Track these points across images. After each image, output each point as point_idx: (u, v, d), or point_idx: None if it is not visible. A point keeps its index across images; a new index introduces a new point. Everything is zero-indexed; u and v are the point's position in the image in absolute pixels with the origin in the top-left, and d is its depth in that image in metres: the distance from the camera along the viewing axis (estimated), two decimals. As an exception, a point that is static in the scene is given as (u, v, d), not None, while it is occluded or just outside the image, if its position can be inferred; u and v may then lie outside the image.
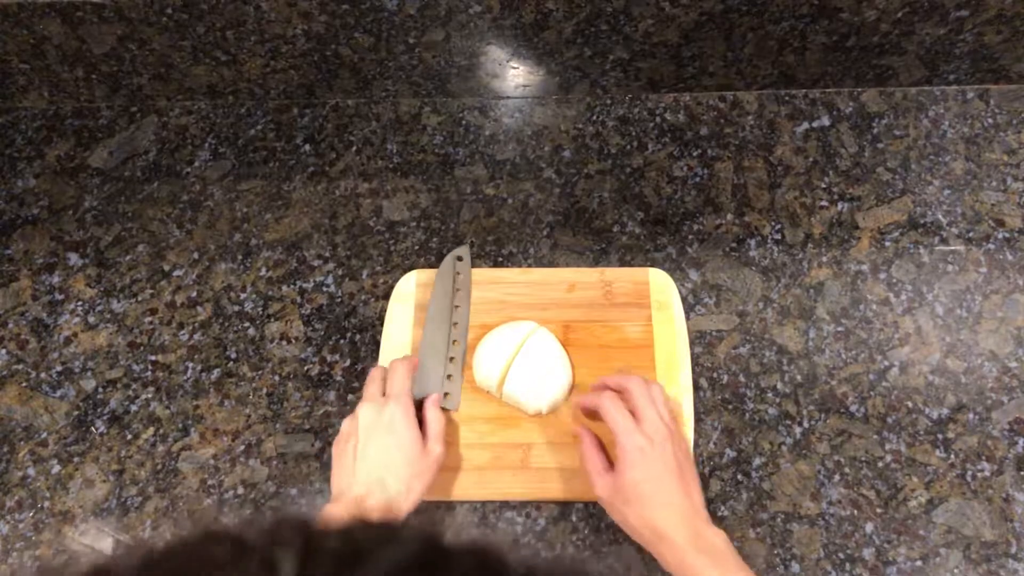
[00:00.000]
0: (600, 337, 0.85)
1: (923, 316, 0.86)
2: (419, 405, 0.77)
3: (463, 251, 0.89)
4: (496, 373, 0.80)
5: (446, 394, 0.81)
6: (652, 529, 0.66)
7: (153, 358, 0.87)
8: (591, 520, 0.78)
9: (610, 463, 0.71)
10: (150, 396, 0.85)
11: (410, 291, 0.87)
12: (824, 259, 0.90)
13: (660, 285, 0.87)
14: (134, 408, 0.85)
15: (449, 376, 0.82)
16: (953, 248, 0.90)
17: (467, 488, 0.79)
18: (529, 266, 0.90)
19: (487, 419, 0.81)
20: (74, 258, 0.92)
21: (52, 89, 0.99)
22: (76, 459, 0.82)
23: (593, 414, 0.75)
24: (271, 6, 0.85)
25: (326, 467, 0.81)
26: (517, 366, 0.80)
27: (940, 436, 0.81)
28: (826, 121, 0.98)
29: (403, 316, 0.86)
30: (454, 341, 0.84)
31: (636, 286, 0.87)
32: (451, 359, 0.83)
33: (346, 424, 0.73)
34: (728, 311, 0.87)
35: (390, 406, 0.73)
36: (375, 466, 0.70)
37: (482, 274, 0.89)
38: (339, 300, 0.89)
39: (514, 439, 0.80)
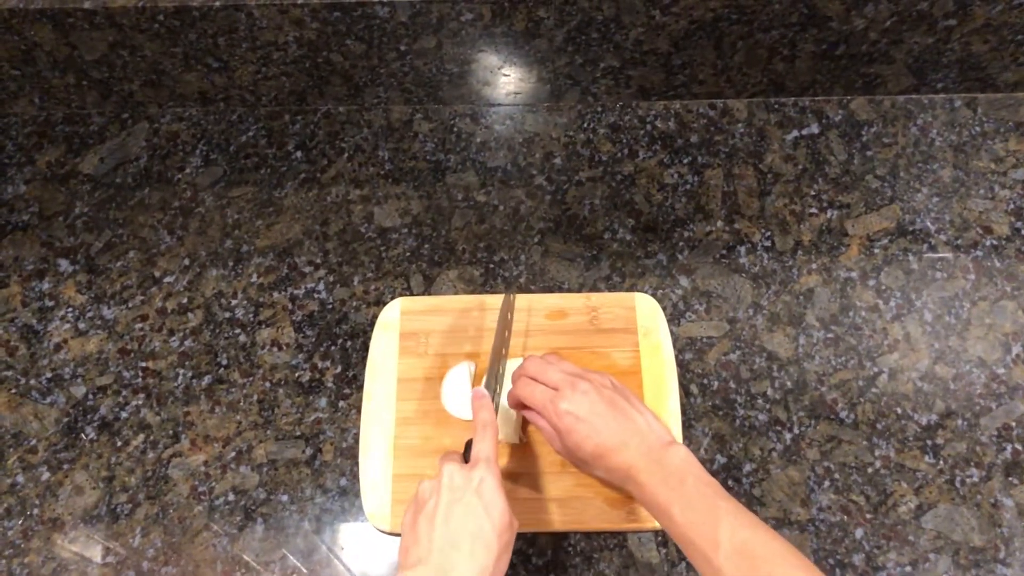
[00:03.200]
0: (588, 364, 0.82)
1: (912, 323, 0.87)
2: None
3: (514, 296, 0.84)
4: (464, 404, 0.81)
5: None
6: (618, 475, 0.68)
7: (144, 364, 0.87)
8: (582, 526, 0.78)
9: None
10: (140, 403, 0.85)
11: (395, 319, 0.86)
12: (814, 266, 0.90)
13: (647, 310, 0.86)
14: (124, 415, 0.84)
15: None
16: (941, 255, 0.90)
17: None
18: (520, 272, 0.90)
19: None
20: (64, 264, 0.92)
21: (43, 95, 0.99)
22: (66, 466, 0.82)
23: (527, 408, 0.75)
24: (263, 13, 0.85)
25: (317, 473, 0.81)
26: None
27: (929, 442, 0.81)
28: (815, 129, 0.98)
29: (388, 345, 0.85)
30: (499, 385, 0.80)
31: (622, 311, 0.87)
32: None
33: (426, 485, 0.66)
34: (718, 318, 0.88)
35: (481, 470, 0.65)
36: (461, 534, 0.62)
37: (467, 300, 0.88)
38: (330, 307, 0.89)
39: (501, 470, 0.79)
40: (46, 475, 0.82)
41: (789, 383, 0.84)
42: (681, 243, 0.92)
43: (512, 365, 0.80)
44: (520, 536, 0.78)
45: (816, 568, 0.59)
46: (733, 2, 0.84)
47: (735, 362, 0.85)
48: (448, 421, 0.81)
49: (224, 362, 0.87)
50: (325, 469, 0.81)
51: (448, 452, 0.71)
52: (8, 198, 0.96)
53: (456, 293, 0.89)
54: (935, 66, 0.95)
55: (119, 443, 0.83)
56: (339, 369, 0.86)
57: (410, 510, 0.66)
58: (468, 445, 0.70)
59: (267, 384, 0.85)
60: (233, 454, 0.82)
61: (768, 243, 0.91)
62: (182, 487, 0.81)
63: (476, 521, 0.62)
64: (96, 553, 0.78)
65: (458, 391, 0.82)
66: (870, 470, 0.80)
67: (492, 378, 0.76)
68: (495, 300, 0.87)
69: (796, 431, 0.82)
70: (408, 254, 0.92)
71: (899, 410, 0.83)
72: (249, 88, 0.98)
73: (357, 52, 0.92)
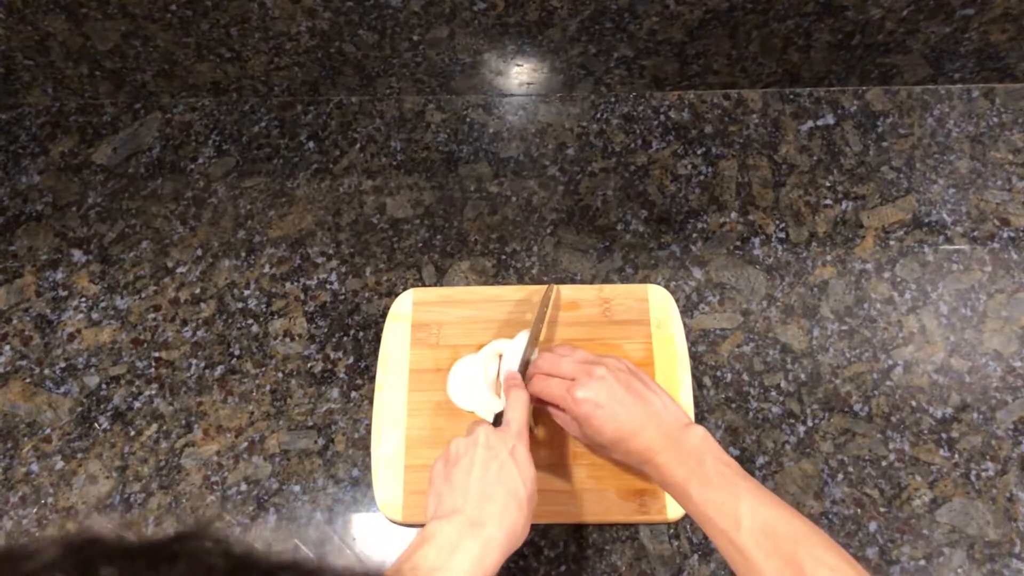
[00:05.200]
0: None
1: (927, 315, 0.86)
2: None
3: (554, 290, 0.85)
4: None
5: None
6: (637, 456, 0.68)
7: (156, 355, 0.87)
8: (594, 518, 0.78)
9: None
10: (153, 392, 0.85)
11: (407, 311, 0.86)
12: (828, 258, 0.89)
13: (660, 302, 0.86)
14: (137, 404, 0.85)
15: None
16: (958, 247, 0.89)
17: None
18: (532, 264, 0.90)
19: None
20: (78, 255, 0.92)
21: (56, 86, 0.99)
22: (80, 455, 0.83)
23: (550, 407, 0.76)
24: (275, 3, 0.85)
25: (329, 464, 0.81)
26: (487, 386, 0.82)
27: (944, 435, 0.81)
28: (831, 119, 0.97)
29: (400, 336, 0.85)
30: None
31: (635, 303, 0.86)
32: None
33: (459, 443, 0.67)
34: (732, 310, 0.87)
35: (513, 437, 0.66)
36: (496, 490, 0.62)
37: (480, 292, 0.88)
38: (342, 297, 0.89)
39: None
40: (60, 464, 0.82)
41: (803, 375, 0.84)
42: (695, 234, 0.91)
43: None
44: (533, 527, 0.77)
45: (839, 546, 0.58)
46: (748, -9, 0.84)
47: (748, 354, 0.85)
48: (460, 412, 0.81)
49: (237, 352, 0.87)
50: (337, 459, 0.82)
51: (477, 419, 0.72)
52: (22, 188, 0.96)
53: (468, 284, 0.89)
54: (952, 56, 0.94)
55: (132, 433, 0.83)
56: (351, 360, 0.86)
57: (440, 463, 0.67)
58: (497, 419, 0.71)
59: (279, 374, 0.86)
60: (246, 444, 0.83)
61: (782, 235, 0.91)
62: (195, 477, 0.81)
63: (511, 480, 0.63)
64: (110, 542, 0.79)
65: (464, 383, 0.82)
66: (884, 463, 0.80)
67: (523, 363, 0.77)
68: (507, 291, 0.87)
69: (810, 424, 0.82)
70: (420, 245, 0.92)
71: (914, 403, 0.82)
72: (261, 78, 0.98)
73: (370, 42, 0.92)
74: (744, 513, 0.60)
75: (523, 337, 0.81)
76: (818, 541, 0.58)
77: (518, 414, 0.68)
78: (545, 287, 0.85)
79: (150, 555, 0.32)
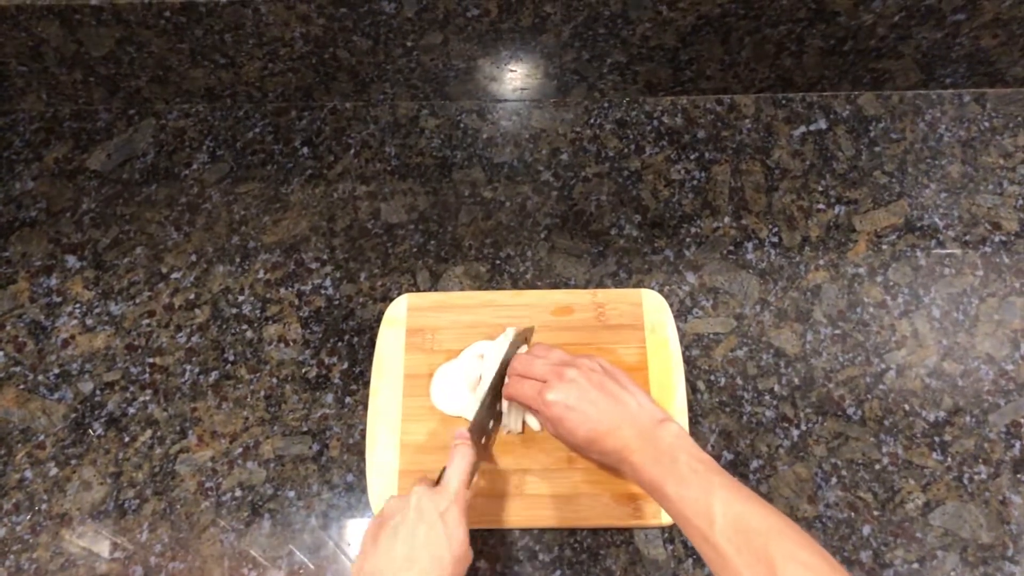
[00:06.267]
0: None
1: (920, 319, 0.87)
2: None
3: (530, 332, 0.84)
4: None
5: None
6: (612, 456, 0.68)
7: (151, 360, 0.87)
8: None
9: None
10: (148, 398, 0.85)
11: (401, 316, 0.86)
12: (821, 262, 0.90)
13: (653, 307, 0.86)
14: (132, 410, 0.84)
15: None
16: (950, 251, 0.90)
17: None
18: (526, 268, 0.90)
19: None
20: (72, 260, 0.92)
21: (50, 92, 0.99)
22: (74, 461, 0.82)
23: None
24: (269, 9, 0.85)
25: (324, 469, 0.81)
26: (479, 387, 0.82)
27: (937, 439, 0.81)
28: (823, 124, 0.98)
29: (395, 341, 0.85)
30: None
31: (629, 308, 0.86)
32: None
33: (393, 502, 0.67)
34: (725, 314, 0.87)
35: (446, 498, 0.65)
36: (421, 555, 0.62)
37: (475, 296, 0.88)
38: (337, 303, 0.89)
39: (507, 466, 0.80)
40: (54, 471, 0.82)
41: (796, 379, 0.84)
42: (688, 239, 0.92)
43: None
44: (527, 532, 0.78)
45: (814, 541, 0.58)
46: (741, -3, 0.84)
47: (742, 358, 0.85)
48: (454, 418, 0.81)
49: (231, 358, 0.87)
50: (332, 465, 0.82)
51: (423, 477, 0.71)
52: (16, 194, 0.96)
53: (463, 289, 0.89)
54: (944, 61, 0.94)
55: (127, 439, 0.83)
56: (346, 365, 0.86)
57: (374, 523, 0.66)
58: (444, 471, 0.70)
59: (274, 380, 0.85)
60: (240, 450, 0.82)
61: (775, 239, 0.91)
62: (189, 483, 0.81)
63: (437, 545, 0.62)
64: (104, 548, 0.79)
65: (447, 388, 0.82)
66: (877, 467, 0.80)
67: (483, 409, 0.76)
68: (502, 296, 0.87)
69: (803, 428, 0.82)
70: (415, 250, 0.92)
71: (907, 407, 0.82)
72: (256, 84, 0.98)
73: (363, 48, 0.92)
74: (717, 509, 0.60)
75: (504, 337, 0.82)
76: (791, 536, 0.58)
77: (457, 473, 0.67)
78: (525, 328, 0.84)
79: None
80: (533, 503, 0.78)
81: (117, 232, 0.94)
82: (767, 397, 0.83)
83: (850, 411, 0.82)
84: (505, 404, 0.80)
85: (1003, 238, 0.90)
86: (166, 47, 0.91)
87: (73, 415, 0.84)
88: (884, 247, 0.90)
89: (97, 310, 0.90)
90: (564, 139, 0.98)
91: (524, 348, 0.82)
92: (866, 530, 0.77)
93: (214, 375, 0.86)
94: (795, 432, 0.82)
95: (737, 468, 0.80)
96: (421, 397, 0.82)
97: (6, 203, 0.96)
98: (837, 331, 0.86)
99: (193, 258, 0.92)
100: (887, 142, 0.96)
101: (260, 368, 0.86)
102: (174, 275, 0.91)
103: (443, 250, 0.91)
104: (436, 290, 0.89)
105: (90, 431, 0.84)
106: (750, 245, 0.91)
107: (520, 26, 0.89)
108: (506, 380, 0.77)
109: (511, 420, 0.80)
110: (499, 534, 0.78)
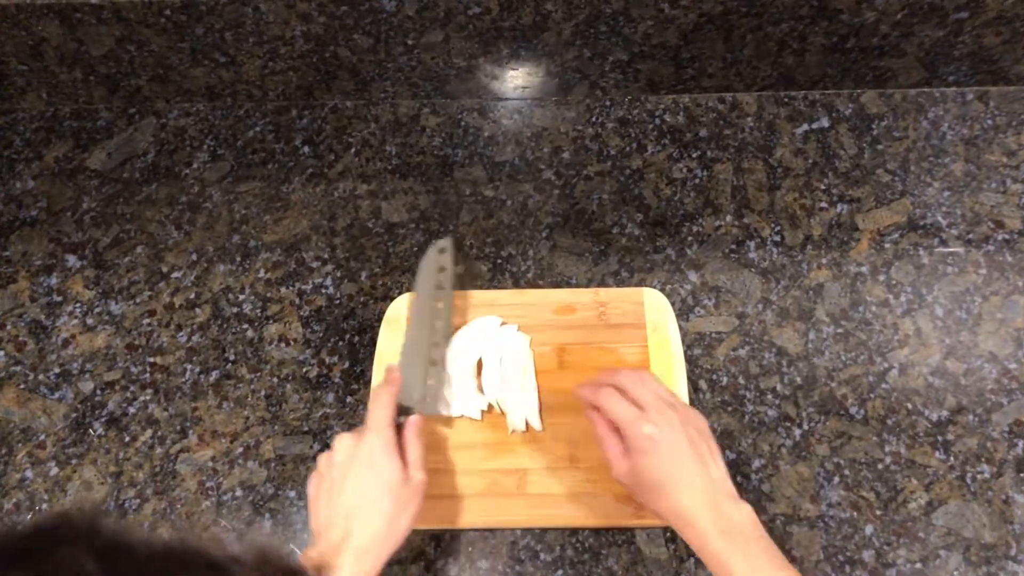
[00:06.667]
0: (595, 360, 0.83)
1: (923, 318, 0.86)
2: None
3: (445, 243, 0.85)
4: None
5: (425, 399, 0.78)
6: (675, 513, 0.65)
7: (151, 360, 0.87)
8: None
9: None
10: (148, 398, 0.85)
11: (401, 315, 0.86)
12: (823, 261, 0.89)
13: (655, 305, 0.86)
14: (132, 410, 0.84)
15: (431, 381, 0.80)
16: (952, 250, 0.90)
17: (462, 516, 0.77)
18: (528, 267, 0.90)
19: (481, 445, 0.80)
20: (72, 260, 0.92)
21: (50, 91, 0.99)
22: (74, 461, 0.82)
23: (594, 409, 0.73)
24: (270, 8, 0.85)
25: (325, 469, 0.81)
26: (487, 370, 0.82)
27: (940, 438, 0.81)
28: (825, 123, 0.98)
29: (395, 340, 0.84)
30: (435, 344, 0.82)
31: (631, 307, 0.86)
32: (433, 363, 0.80)
33: (322, 460, 0.70)
34: (727, 313, 0.87)
35: (368, 437, 0.68)
36: (354, 503, 0.65)
37: (476, 296, 0.88)
38: (338, 302, 0.89)
39: (509, 465, 0.79)
40: (55, 470, 0.82)
41: (799, 379, 0.84)
42: (690, 238, 0.91)
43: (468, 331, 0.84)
44: (529, 532, 0.77)
45: None
46: (743, -5, 0.84)
47: (744, 357, 0.85)
48: (454, 418, 0.81)
49: (232, 357, 0.87)
50: (333, 464, 0.81)
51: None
52: (16, 193, 0.96)
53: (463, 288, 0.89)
54: (947, 59, 0.94)
55: (127, 438, 0.83)
56: (346, 364, 0.86)
57: (312, 482, 0.70)
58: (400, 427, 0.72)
59: (275, 379, 0.85)
60: (241, 449, 0.82)
61: (778, 238, 0.91)
62: (190, 482, 0.81)
63: (366, 488, 0.66)
64: (105, 548, 0.78)
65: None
66: (880, 466, 0.80)
67: (424, 342, 0.81)
68: (503, 295, 0.87)
69: (806, 427, 0.82)
70: (415, 249, 0.92)
71: (909, 406, 0.82)
72: (256, 83, 0.98)
73: (364, 46, 0.92)
74: None
75: (477, 324, 0.84)
76: None
77: (376, 414, 0.70)
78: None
79: (6, 554, 0.29)
80: (535, 502, 0.78)
81: (118, 231, 0.94)
82: (769, 396, 0.83)
83: (852, 410, 0.82)
84: (509, 402, 0.79)
85: (1006, 236, 0.90)
86: (166, 46, 0.91)
87: (74, 415, 0.84)
88: (887, 246, 0.90)
89: (97, 309, 0.89)
90: (566, 138, 0.98)
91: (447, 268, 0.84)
92: (869, 529, 0.77)
93: (215, 374, 0.86)
94: (797, 431, 0.81)
95: (739, 467, 0.80)
96: None
97: (6, 202, 0.96)
98: (839, 330, 0.86)
99: (194, 257, 0.92)
100: (890, 140, 0.96)
101: (261, 367, 0.86)
102: (175, 274, 0.91)
103: (444, 249, 0.91)
104: (437, 289, 0.89)
105: (91, 431, 0.84)
106: (752, 244, 0.91)
107: (521, 24, 0.89)
108: (592, 388, 0.74)
109: (514, 418, 0.79)
110: (501, 533, 0.77)
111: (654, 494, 0.67)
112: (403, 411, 0.74)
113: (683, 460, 0.66)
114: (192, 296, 0.90)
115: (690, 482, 0.65)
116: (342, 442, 0.69)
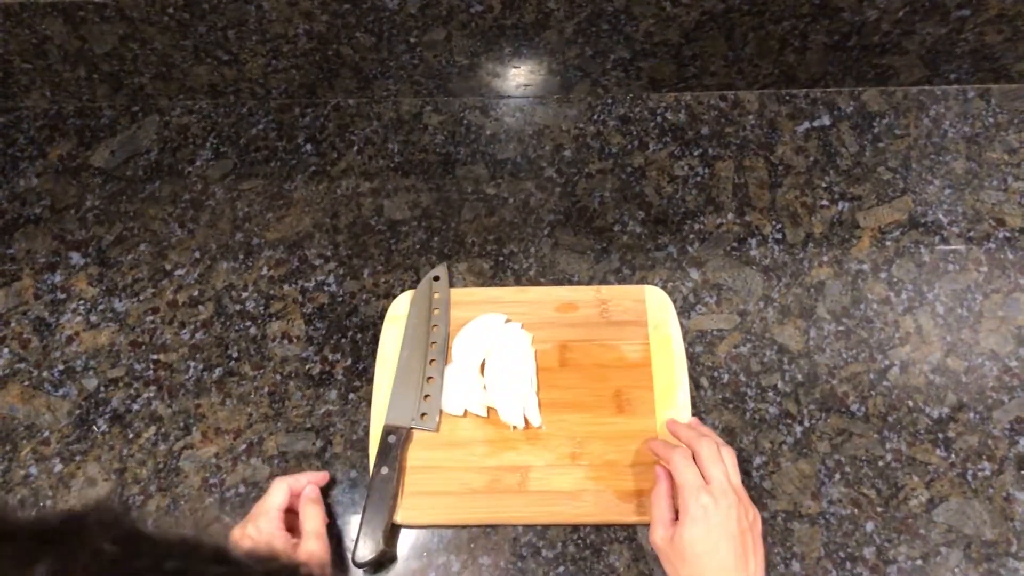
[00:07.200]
0: (597, 357, 0.84)
1: (924, 315, 0.86)
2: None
3: (440, 271, 0.89)
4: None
5: (423, 415, 0.80)
6: None
7: (155, 357, 0.87)
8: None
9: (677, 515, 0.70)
10: (152, 395, 0.85)
11: (403, 313, 0.86)
12: (825, 258, 0.90)
13: (657, 303, 0.86)
14: (136, 407, 0.85)
15: (427, 396, 0.81)
16: (954, 247, 0.90)
17: (463, 512, 0.77)
18: (530, 265, 0.90)
19: (484, 441, 0.80)
20: (76, 257, 0.92)
21: (54, 89, 0.99)
22: (78, 458, 0.83)
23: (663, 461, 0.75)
24: (272, 5, 0.85)
25: (328, 465, 0.81)
26: (489, 368, 0.83)
27: (941, 435, 0.81)
28: (827, 120, 0.98)
29: (398, 337, 0.85)
30: (431, 360, 0.83)
31: (632, 304, 0.86)
32: (428, 379, 0.82)
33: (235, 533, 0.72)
34: (729, 310, 0.87)
35: (258, 522, 0.71)
36: None
37: (478, 293, 0.88)
38: (340, 299, 0.89)
39: (511, 462, 0.79)
40: (59, 467, 0.82)
41: (800, 376, 0.84)
42: (691, 235, 0.91)
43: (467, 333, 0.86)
44: (530, 528, 0.78)
45: None
46: (744, -7, 0.84)
47: (745, 355, 0.85)
48: (456, 416, 0.82)
49: (235, 355, 0.87)
50: (335, 461, 0.82)
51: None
52: (20, 191, 0.96)
53: (466, 286, 0.89)
54: (948, 57, 0.94)
55: (131, 435, 0.83)
56: (349, 362, 0.86)
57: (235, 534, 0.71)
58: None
59: (278, 376, 0.86)
60: (244, 446, 0.83)
61: (779, 235, 0.91)
62: (193, 479, 0.81)
63: None
64: (109, 544, 0.79)
65: (447, 386, 0.83)
66: (881, 463, 0.80)
67: (419, 360, 0.83)
68: (505, 293, 0.87)
69: (807, 424, 0.82)
70: (418, 247, 0.92)
71: (910, 403, 0.82)
72: (259, 81, 0.98)
73: (367, 44, 0.92)
74: None
75: (479, 321, 0.85)
76: None
77: (270, 497, 0.72)
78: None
79: (32, 536, 0.31)
80: (536, 499, 0.78)
81: (121, 229, 0.94)
82: (770, 393, 0.83)
83: (853, 407, 0.82)
84: (506, 398, 0.80)
85: (1007, 234, 0.90)
86: (169, 44, 0.91)
87: (77, 411, 0.85)
88: (888, 243, 0.90)
89: (101, 307, 0.90)
90: (567, 135, 0.98)
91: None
92: (869, 527, 0.77)
93: (218, 372, 0.86)
94: (798, 429, 0.82)
95: (740, 464, 0.80)
96: None
97: (10, 200, 0.96)
98: (841, 327, 0.86)
99: (197, 255, 0.92)
100: (891, 138, 0.96)
101: (264, 365, 0.86)
102: (178, 272, 0.91)
103: (446, 247, 0.91)
104: (439, 287, 0.90)
105: (94, 427, 0.84)
106: (754, 241, 0.91)
107: (523, 22, 0.89)
108: (668, 443, 0.75)
109: (512, 414, 0.80)
110: (503, 530, 0.78)
111: (685, 565, 0.67)
112: (394, 432, 0.78)
113: (725, 544, 0.66)
114: (195, 293, 0.90)
115: (723, 567, 0.65)
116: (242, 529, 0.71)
